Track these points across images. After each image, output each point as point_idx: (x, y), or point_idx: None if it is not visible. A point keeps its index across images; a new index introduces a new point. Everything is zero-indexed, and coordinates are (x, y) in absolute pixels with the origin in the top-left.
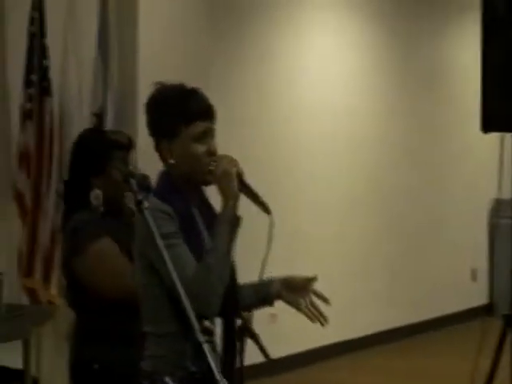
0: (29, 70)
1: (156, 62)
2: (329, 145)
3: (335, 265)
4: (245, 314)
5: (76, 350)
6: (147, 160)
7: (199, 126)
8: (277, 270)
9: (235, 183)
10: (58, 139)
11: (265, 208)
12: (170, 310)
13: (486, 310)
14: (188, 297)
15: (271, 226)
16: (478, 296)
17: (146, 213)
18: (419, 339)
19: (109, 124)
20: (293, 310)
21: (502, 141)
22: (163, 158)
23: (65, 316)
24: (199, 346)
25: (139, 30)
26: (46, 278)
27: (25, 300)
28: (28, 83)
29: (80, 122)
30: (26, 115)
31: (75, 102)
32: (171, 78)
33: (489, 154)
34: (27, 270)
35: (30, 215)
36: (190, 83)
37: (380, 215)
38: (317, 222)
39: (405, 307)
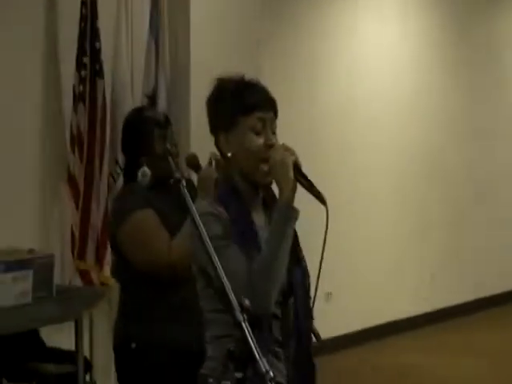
0: (81, 52)
1: (208, 43)
2: (384, 133)
3: (393, 247)
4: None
5: (115, 328)
6: (199, 140)
7: (257, 117)
8: (335, 261)
9: (291, 173)
10: (110, 121)
11: (321, 198)
12: (218, 311)
13: None
14: (252, 294)
15: (327, 216)
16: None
17: (184, 191)
18: (482, 316)
19: (161, 105)
20: (348, 289)
21: None
22: (222, 154)
23: (117, 297)
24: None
25: (191, 11)
26: (99, 260)
27: (78, 282)
28: (80, 66)
29: (132, 104)
30: (78, 97)
31: (127, 84)
32: (223, 59)
33: None
34: (80, 252)
35: (83, 198)
36: (241, 65)
37: (439, 199)
38: (371, 210)
39: (469, 284)
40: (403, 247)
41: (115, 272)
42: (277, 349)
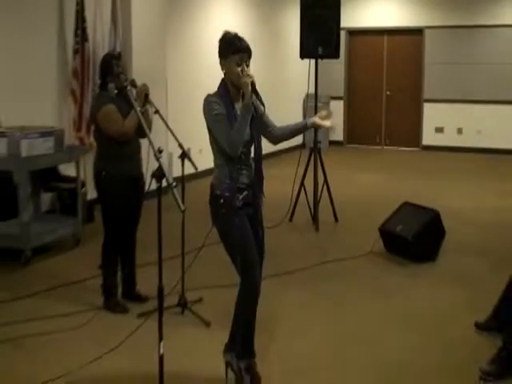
0: (77, 27)
1: (141, 24)
2: None
3: None
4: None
5: (94, 164)
6: (138, 71)
7: (238, 56)
8: None
9: (250, 88)
10: (92, 64)
11: (261, 102)
12: (218, 151)
13: (302, 146)
14: (228, 147)
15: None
16: (297, 138)
17: (129, 93)
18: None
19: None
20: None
21: (309, 63)
22: (223, 71)
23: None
24: (237, 170)
25: (132, 11)
26: (88, 132)
27: (77, 143)
28: (76, 35)
29: (103, 54)
30: (75, 52)
31: (100, 45)
32: (151, 29)
33: (302, 70)
34: (78, 128)
35: (79, 101)
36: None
37: None
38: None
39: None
40: None
41: (94, 136)
42: (246, 167)
